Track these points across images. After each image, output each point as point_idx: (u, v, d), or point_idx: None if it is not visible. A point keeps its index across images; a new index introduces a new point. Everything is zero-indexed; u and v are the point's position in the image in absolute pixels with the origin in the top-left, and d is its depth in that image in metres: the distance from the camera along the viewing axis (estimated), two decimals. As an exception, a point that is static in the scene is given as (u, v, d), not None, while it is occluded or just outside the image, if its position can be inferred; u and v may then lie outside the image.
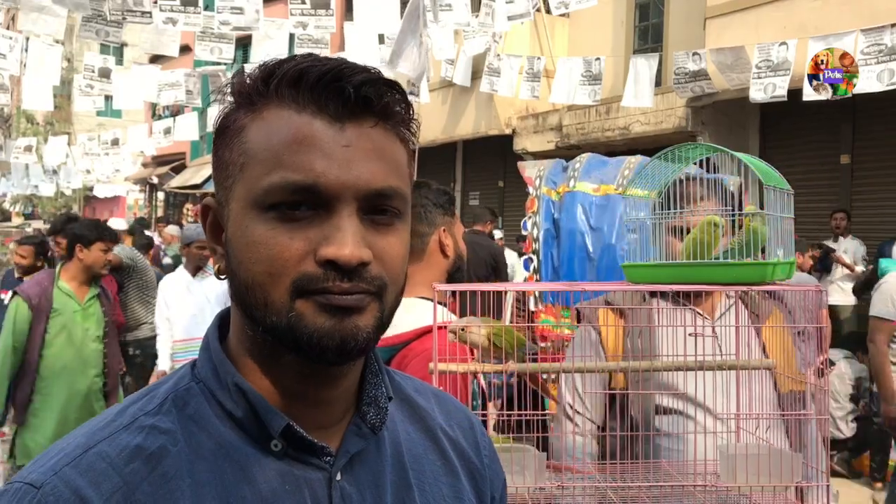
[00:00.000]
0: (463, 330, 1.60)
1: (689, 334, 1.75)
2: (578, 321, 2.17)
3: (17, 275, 6.42)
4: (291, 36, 6.94)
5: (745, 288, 1.54)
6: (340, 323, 0.74)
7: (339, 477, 0.79)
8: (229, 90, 0.80)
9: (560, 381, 2.06)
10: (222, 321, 0.86)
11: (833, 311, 7.59)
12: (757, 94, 6.72)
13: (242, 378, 0.79)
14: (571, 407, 2.01)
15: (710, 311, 2.02)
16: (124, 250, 6.44)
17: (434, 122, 13.58)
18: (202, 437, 0.76)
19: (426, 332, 1.84)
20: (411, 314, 1.86)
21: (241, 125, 0.78)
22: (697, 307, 1.99)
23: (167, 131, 10.79)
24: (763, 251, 1.64)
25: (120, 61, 9.82)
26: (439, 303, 1.76)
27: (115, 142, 12.31)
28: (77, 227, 4.59)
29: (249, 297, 0.76)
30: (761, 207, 1.62)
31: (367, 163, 0.75)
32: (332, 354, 0.75)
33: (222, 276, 0.81)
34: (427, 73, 6.14)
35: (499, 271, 6.85)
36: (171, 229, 11.99)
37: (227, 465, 0.76)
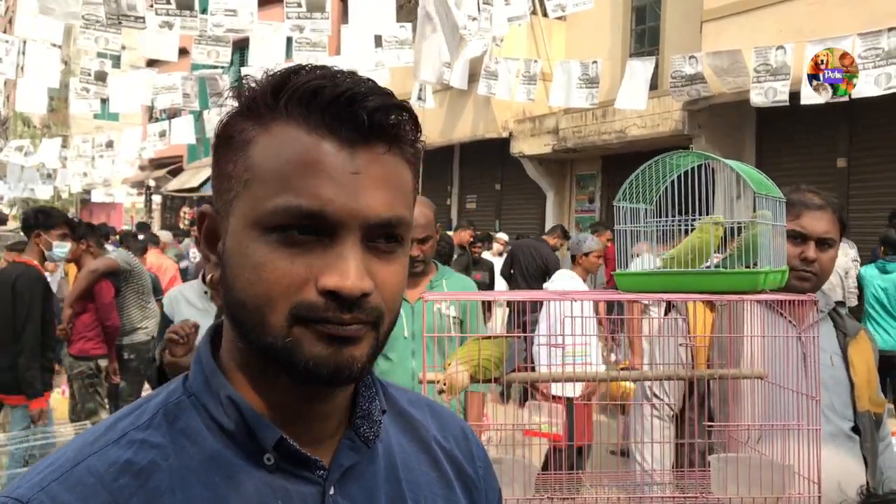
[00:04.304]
0: (445, 384, 1.56)
1: (680, 344, 1.73)
2: (668, 311, 2.19)
3: None
4: (289, 39, 6.93)
5: (736, 298, 1.52)
6: (338, 352, 0.73)
7: (332, 491, 0.79)
8: (233, 94, 0.78)
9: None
10: (215, 334, 0.84)
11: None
12: (758, 99, 6.69)
13: (235, 391, 0.78)
14: (651, 391, 2.05)
15: (799, 320, 1.97)
16: (120, 254, 6.30)
17: (431, 125, 13.57)
18: (193, 452, 0.75)
19: None
20: None
21: (248, 138, 0.76)
22: (788, 314, 1.95)
23: (162, 134, 10.75)
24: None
25: (117, 64, 9.79)
26: None
27: (110, 144, 12.27)
28: None
29: (244, 316, 0.75)
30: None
31: (375, 191, 0.74)
32: (324, 380, 0.74)
33: (216, 286, 0.81)
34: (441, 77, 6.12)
35: (550, 275, 7.53)
36: (164, 234, 11.96)
37: (218, 478, 0.74)
